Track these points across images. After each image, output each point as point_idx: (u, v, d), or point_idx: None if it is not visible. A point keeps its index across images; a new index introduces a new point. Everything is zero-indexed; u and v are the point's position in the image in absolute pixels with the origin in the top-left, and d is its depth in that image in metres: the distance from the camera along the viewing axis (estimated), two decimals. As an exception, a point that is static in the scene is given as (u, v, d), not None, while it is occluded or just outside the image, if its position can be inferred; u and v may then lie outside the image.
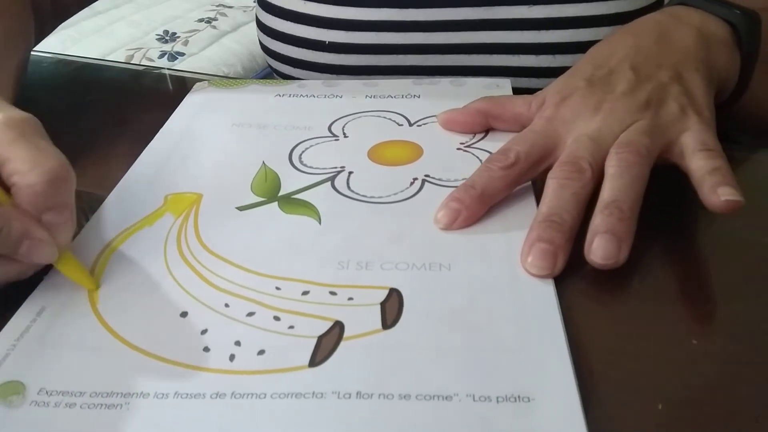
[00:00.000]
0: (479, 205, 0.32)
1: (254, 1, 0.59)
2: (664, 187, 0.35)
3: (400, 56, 0.51)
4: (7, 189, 0.28)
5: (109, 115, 0.47)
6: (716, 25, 0.39)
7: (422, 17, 0.50)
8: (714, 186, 0.31)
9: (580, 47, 0.48)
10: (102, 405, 0.24)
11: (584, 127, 0.34)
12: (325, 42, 0.51)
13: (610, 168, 0.32)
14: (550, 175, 0.33)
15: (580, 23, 0.48)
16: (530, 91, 0.40)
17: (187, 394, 0.24)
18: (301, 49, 0.53)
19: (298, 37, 0.53)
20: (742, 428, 0.24)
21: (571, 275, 0.30)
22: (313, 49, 0.52)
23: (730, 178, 0.31)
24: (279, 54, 0.55)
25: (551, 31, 0.49)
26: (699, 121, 0.34)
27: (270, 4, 0.54)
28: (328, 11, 0.51)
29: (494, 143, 0.38)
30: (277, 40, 0.54)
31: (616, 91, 0.35)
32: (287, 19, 0.53)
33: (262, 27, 0.57)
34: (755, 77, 0.40)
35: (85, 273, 0.30)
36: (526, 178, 0.34)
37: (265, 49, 0.57)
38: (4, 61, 0.40)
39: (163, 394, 0.24)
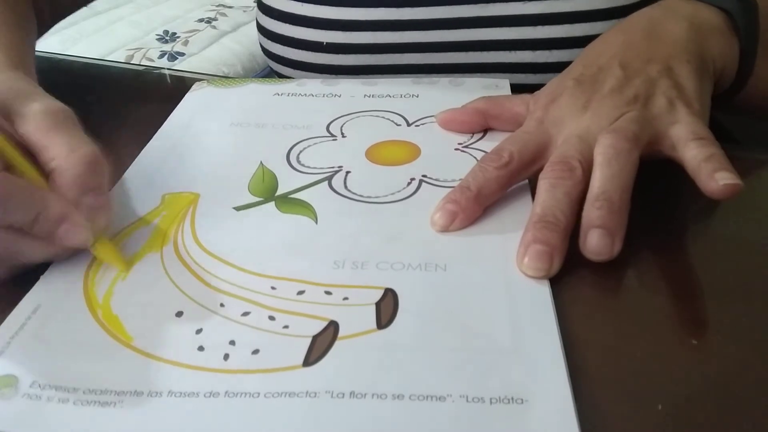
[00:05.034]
0: (475, 206, 0.33)
1: (255, 2, 0.60)
2: (662, 186, 0.35)
3: (398, 55, 0.51)
4: (46, 176, 0.30)
5: (109, 115, 0.47)
6: (710, 14, 0.38)
7: (418, 16, 0.50)
8: (711, 172, 0.31)
9: (577, 42, 0.48)
10: (96, 402, 0.24)
11: (574, 126, 0.34)
12: (323, 43, 0.52)
13: (598, 156, 0.32)
14: (541, 176, 0.33)
15: (575, 18, 0.48)
16: (528, 86, 0.40)
17: (181, 393, 0.24)
18: (299, 50, 0.53)
19: (296, 38, 0.53)
20: (742, 428, 0.24)
21: (568, 275, 0.30)
22: (311, 51, 0.52)
23: (726, 163, 0.31)
24: (279, 56, 0.55)
25: (546, 27, 0.49)
26: (688, 113, 0.34)
27: (268, 6, 0.54)
28: (325, 12, 0.51)
29: (492, 143, 0.38)
30: (276, 42, 0.55)
31: (604, 88, 0.35)
32: (285, 22, 0.53)
33: (261, 30, 0.57)
34: (759, 65, 0.39)
35: (118, 256, 0.31)
36: (520, 178, 0.34)
37: (266, 52, 0.58)
38: (24, 46, 0.41)
39: (156, 393, 0.24)
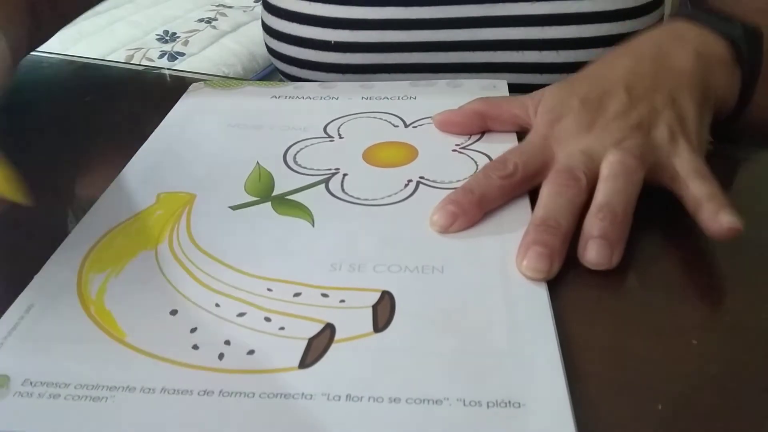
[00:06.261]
0: (477, 211, 0.32)
1: (255, 2, 0.60)
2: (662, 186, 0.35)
3: (405, 54, 0.51)
4: None
5: (109, 115, 0.47)
6: (716, 44, 0.38)
7: (427, 15, 0.50)
8: (714, 212, 0.30)
9: (584, 43, 0.49)
10: (87, 397, 0.24)
11: (577, 143, 0.34)
12: (330, 42, 0.52)
13: (605, 170, 0.32)
14: (545, 182, 0.33)
15: (584, 19, 0.48)
16: (535, 86, 0.40)
17: (175, 391, 0.24)
18: (307, 49, 0.53)
19: (304, 38, 0.53)
20: (742, 428, 0.24)
21: (565, 276, 0.30)
22: (318, 50, 0.53)
23: (727, 204, 0.31)
24: (285, 56, 0.55)
25: (554, 27, 0.49)
26: (688, 148, 0.33)
27: (275, 6, 0.54)
28: (333, 11, 0.51)
29: (489, 145, 0.38)
30: (283, 41, 0.55)
31: (609, 112, 0.35)
32: (292, 21, 0.53)
33: (267, 30, 0.57)
34: (759, 93, 0.39)
35: (12, 185, 0.28)
36: (521, 190, 0.34)
37: (272, 52, 0.58)
38: None
39: (150, 389, 0.24)
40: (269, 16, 0.56)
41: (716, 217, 0.30)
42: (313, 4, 0.51)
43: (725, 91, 0.38)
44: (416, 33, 0.50)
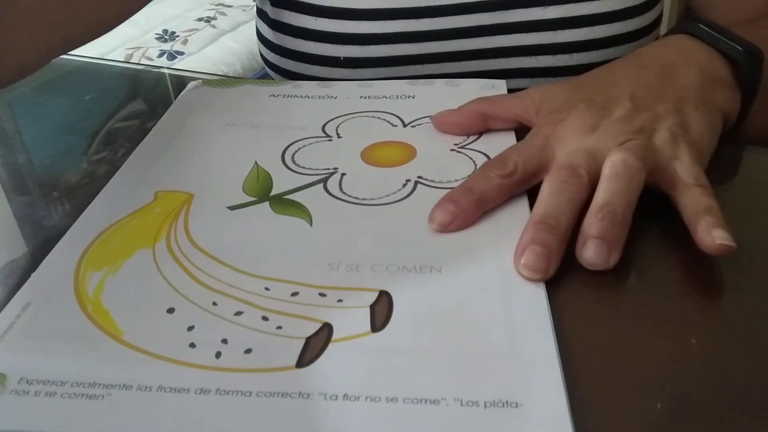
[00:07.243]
0: (475, 210, 0.32)
1: (254, 1, 0.59)
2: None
3: (417, 66, 0.51)
4: None
5: (108, 114, 0.47)
6: (720, 65, 0.38)
7: (437, 26, 0.49)
8: (709, 227, 0.30)
9: (595, 44, 0.49)
10: (83, 395, 0.24)
11: (579, 143, 0.34)
12: (339, 58, 0.51)
13: (607, 169, 0.32)
14: (546, 178, 0.33)
15: (594, 21, 0.48)
16: None
17: (172, 389, 0.24)
18: (313, 65, 0.52)
19: (310, 54, 0.52)
20: (742, 428, 0.24)
21: (564, 275, 0.29)
22: (327, 66, 0.52)
23: (722, 220, 0.31)
24: (291, 72, 0.54)
25: (566, 31, 0.49)
26: (689, 153, 0.33)
27: (276, 21, 0.54)
28: (342, 26, 0.50)
29: (488, 144, 0.38)
30: (287, 57, 0.54)
31: (612, 115, 0.35)
32: (297, 37, 0.52)
33: (270, 45, 0.56)
34: (753, 111, 0.39)
35: None
36: (520, 189, 0.34)
37: (272, 66, 0.57)
38: None
39: (146, 387, 0.24)
40: (270, 30, 0.55)
41: (710, 231, 0.30)
42: (320, 19, 0.51)
43: (727, 111, 0.38)
44: (427, 45, 0.50)
